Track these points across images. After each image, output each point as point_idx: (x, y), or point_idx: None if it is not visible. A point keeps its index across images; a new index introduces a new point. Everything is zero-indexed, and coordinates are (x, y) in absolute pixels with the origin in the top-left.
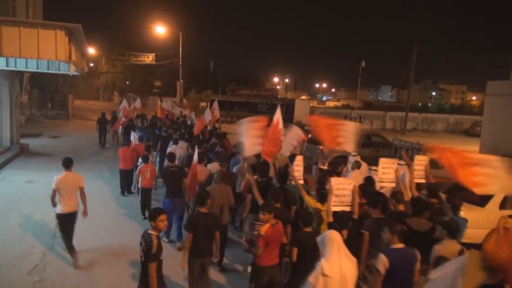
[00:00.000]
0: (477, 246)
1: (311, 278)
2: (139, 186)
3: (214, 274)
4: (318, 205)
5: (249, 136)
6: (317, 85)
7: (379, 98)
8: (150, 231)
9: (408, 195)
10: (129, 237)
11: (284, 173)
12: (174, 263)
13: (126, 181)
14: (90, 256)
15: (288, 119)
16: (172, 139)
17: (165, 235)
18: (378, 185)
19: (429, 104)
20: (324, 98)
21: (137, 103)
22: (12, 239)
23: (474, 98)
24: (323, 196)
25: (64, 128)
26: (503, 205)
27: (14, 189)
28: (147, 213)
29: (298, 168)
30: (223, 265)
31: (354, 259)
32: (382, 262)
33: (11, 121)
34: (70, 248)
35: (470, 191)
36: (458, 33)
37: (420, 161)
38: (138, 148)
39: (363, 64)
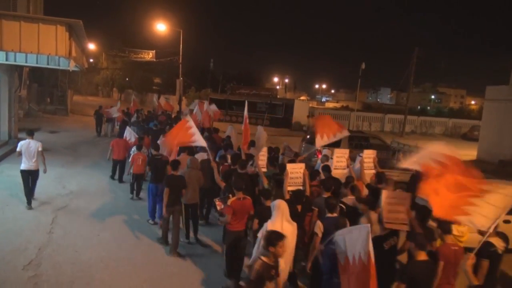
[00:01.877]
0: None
1: (259, 234)
2: (131, 171)
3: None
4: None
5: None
6: (316, 86)
7: (379, 100)
8: (263, 258)
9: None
10: (125, 234)
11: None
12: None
13: (117, 170)
14: (85, 253)
15: (287, 119)
16: (161, 133)
17: (151, 217)
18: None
19: (428, 108)
20: (323, 99)
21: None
22: (7, 234)
23: (473, 102)
24: (278, 181)
25: (63, 123)
26: None
27: (11, 183)
28: (135, 194)
29: (262, 157)
30: (198, 239)
31: (294, 224)
32: (318, 226)
33: (10, 115)
34: (27, 197)
35: None
36: (459, 36)
37: (369, 155)
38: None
39: (363, 66)
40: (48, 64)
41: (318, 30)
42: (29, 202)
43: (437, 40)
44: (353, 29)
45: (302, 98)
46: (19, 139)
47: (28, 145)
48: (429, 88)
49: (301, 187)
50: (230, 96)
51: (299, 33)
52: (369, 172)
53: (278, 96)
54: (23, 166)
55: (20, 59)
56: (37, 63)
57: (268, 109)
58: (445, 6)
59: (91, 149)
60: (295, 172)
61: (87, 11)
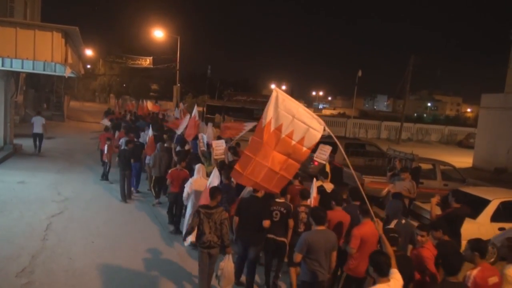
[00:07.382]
0: None
1: (185, 186)
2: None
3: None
4: (203, 159)
5: None
6: (313, 93)
7: (375, 107)
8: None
9: None
10: (120, 241)
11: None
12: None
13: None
14: (80, 260)
15: None
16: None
17: (135, 189)
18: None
19: (424, 115)
20: (320, 106)
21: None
22: (0, 240)
23: (469, 110)
24: (208, 155)
25: (59, 129)
26: (494, 218)
27: (5, 189)
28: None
29: (202, 144)
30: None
31: (207, 179)
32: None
33: (5, 120)
34: (37, 149)
35: (463, 205)
36: (455, 45)
37: (218, 144)
38: (120, 136)
39: (360, 73)
40: (44, 70)
41: (315, 37)
42: (38, 151)
43: (434, 48)
44: (350, 37)
45: None
46: (15, 145)
47: (36, 118)
48: (426, 96)
49: (223, 157)
50: (227, 103)
51: (296, 40)
52: (220, 158)
53: None
54: (34, 131)
55: (16, 65)
56: (33, 69)
57: None
58: (442, 14)
59: (87, 155)
60: (219, 146)
61: (85, 17)
